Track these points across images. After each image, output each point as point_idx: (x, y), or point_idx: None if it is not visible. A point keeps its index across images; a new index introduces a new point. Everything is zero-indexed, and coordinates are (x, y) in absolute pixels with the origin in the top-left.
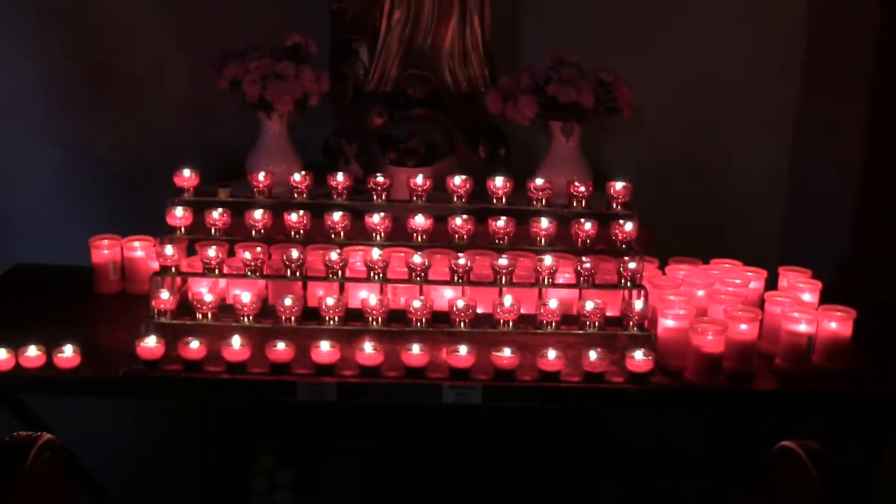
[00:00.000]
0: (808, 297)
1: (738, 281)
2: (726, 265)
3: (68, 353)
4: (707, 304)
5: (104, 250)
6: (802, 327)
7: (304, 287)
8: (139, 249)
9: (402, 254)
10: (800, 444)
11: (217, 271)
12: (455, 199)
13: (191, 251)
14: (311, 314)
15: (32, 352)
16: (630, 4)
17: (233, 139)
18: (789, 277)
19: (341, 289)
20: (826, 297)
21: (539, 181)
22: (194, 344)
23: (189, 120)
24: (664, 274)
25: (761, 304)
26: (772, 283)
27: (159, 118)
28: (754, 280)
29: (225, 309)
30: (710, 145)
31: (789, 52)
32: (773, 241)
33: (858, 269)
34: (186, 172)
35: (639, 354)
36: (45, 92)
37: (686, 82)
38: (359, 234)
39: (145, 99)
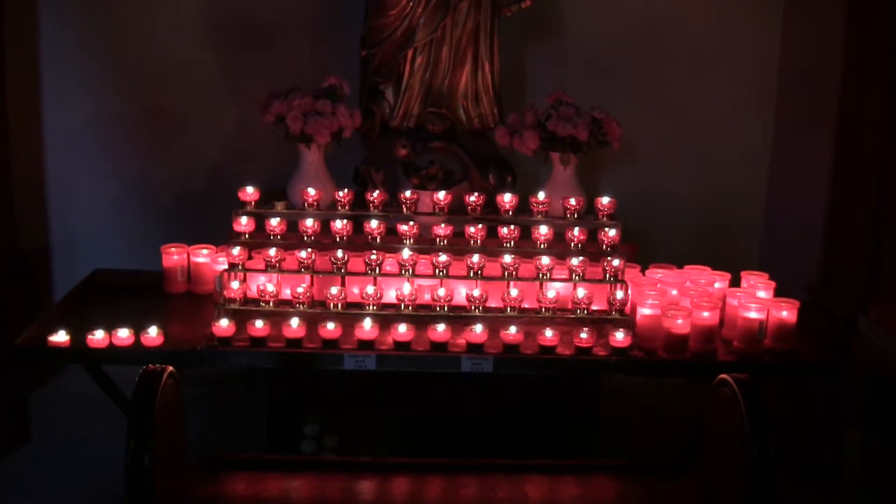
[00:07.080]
0: (764, 294)
1: (703, 280)
2: (696, 270)
3: (153, 334)
4: (679, 299)
5: (174, 256)
6: (754, 314)
7: (343, 284)
8: (203, 256)
9: (426, 259)
10: (732, 376)
11: (277, 267)
12: (470, 211)
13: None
14: (350, 306)
15: (123, 333)
16: (622, 53)
17: (270, 170)
18: (749, 280)
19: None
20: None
21: (541, 195)
22: (259, 323)
23: (232, 153)
24: (644, 275)
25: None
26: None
27: (205, 152)
28: (719, 281)
29: (277, 304)
30: (691, 178)
31: (762, 96)
32: (751, 265)
33: (827, 291)
34: (249, 189)
35: (620, 334)
36: (101, 128)
37: (671, 119)
38: (389, 245)
39: (195, 136)
